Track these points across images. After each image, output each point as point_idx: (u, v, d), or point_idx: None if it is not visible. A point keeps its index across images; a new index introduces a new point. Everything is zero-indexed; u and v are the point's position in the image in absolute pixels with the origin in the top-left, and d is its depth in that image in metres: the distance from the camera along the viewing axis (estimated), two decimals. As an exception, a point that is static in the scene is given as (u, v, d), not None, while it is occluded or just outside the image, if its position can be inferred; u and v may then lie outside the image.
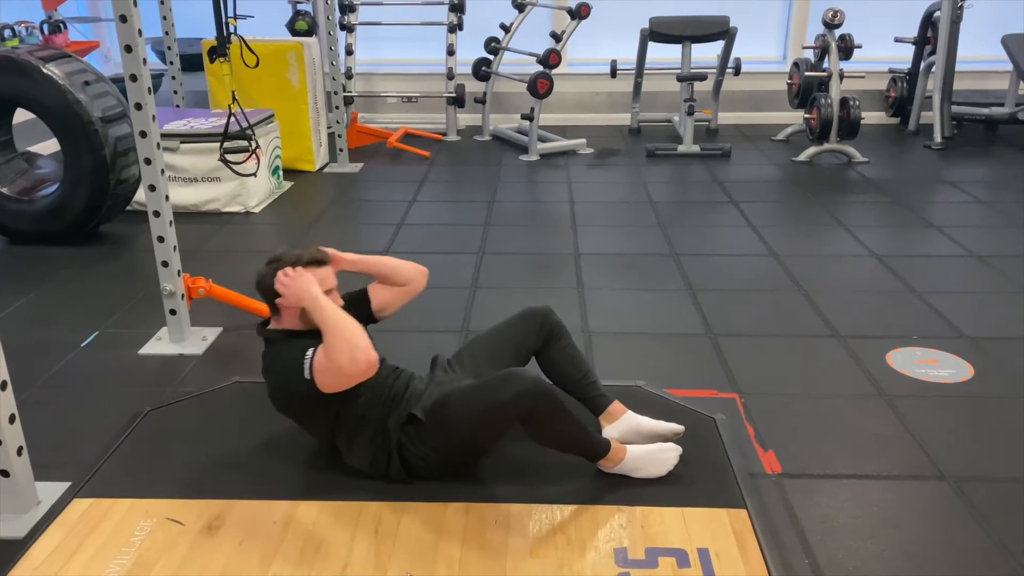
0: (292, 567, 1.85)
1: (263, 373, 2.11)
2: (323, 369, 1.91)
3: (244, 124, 3.55)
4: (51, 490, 2.13)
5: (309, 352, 1.95)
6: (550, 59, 5.72)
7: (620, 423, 2.23)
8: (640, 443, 2.17)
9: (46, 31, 5.66)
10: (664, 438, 2.22)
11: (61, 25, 5.75)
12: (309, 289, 1.99)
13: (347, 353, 1.87)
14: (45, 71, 3.76)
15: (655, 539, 1.92)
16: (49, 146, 5.02)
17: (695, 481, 2.13)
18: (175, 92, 5.77)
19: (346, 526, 1.97)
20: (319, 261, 2.11)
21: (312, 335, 2.03)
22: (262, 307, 3.19)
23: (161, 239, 2.88)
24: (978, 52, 6.56)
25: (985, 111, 6.28)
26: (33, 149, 4.81)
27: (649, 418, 2.26)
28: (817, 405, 2.60)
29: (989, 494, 2.15)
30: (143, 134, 2.73)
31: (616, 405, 2.27)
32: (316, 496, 2.08)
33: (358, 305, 2.25)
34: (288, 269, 2.04)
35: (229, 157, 3.51)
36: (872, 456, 2.33)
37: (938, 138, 5.96)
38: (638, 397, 2.50)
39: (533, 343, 2.29)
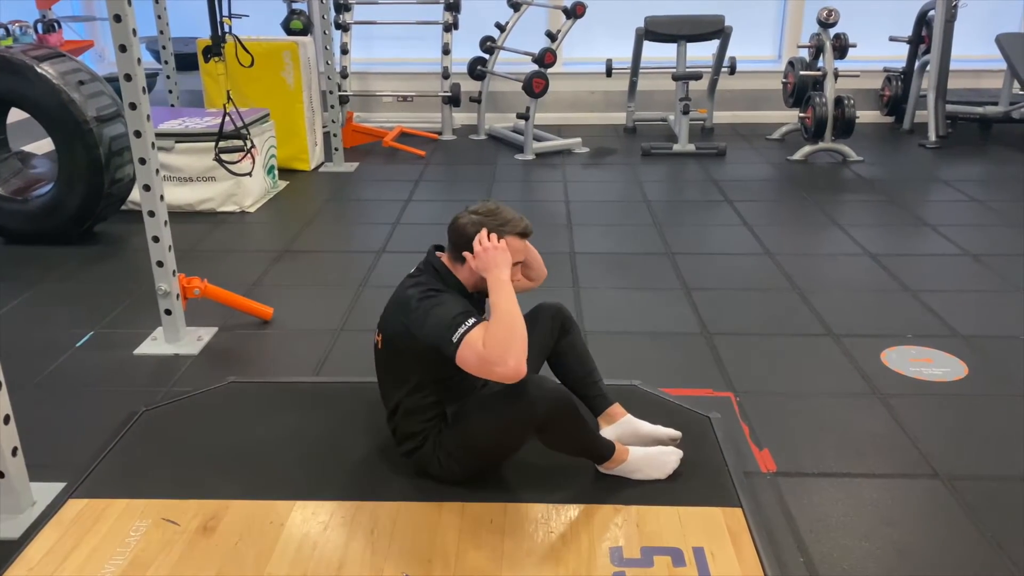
0: (288, 567, 1.85)
1: (405, 293, 2.02)
2: (472, 348, 1.84)
3: (239, 123, 3.55)
4: (46, 490, 2.13)
5: (470, 321, 1.88)
6: (546, 58, 5.73)
7: (618, 426, 2.23)
8: (639, 446, 2.18)
9: (40, 30, 5.65)
10: (662, 443, 2.22)
11: (55, 24, 5.74)
12: (501, 270, 1.95)
13: (503, 350, 1.81)
14: (39, 70, 3.75)
15: (651, 538, 1.92)
16: (43, 145, 5.01)
17: (690, 480, 2.13)
18: (170, 91, 5.77)
19: (342, 526, 1.98)
20: (526, 233, 2.07)
21: (474, 297, 2.02)
22: (258, 307, 3.21)
23: (156, 239, 2.87)
24: (972, 51, 6.57)
25: (979, 110, 6.29)
26: (27, 148, 4.80)
27: (647, 423, 2.26)
28: (812, 404, 2.61)
29: (982, 492, 2.15)
30: (138, 134, 2.72)
31: (616, 407, 2.27)
32: (312, 496, 2.08)
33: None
34: (493, 237, 1.99)
35: (224, 157, 3.51)
36: (866, 454, 2.34)
37: (932, 137, 5.98)
38: (634, 396, 2.50)
39: (549, 340, 2.28)
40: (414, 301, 1.98)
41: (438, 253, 2.12)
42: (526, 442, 2.04)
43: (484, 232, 1.99)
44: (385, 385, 2.13)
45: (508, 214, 2.05)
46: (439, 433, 2.07)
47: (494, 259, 1.96)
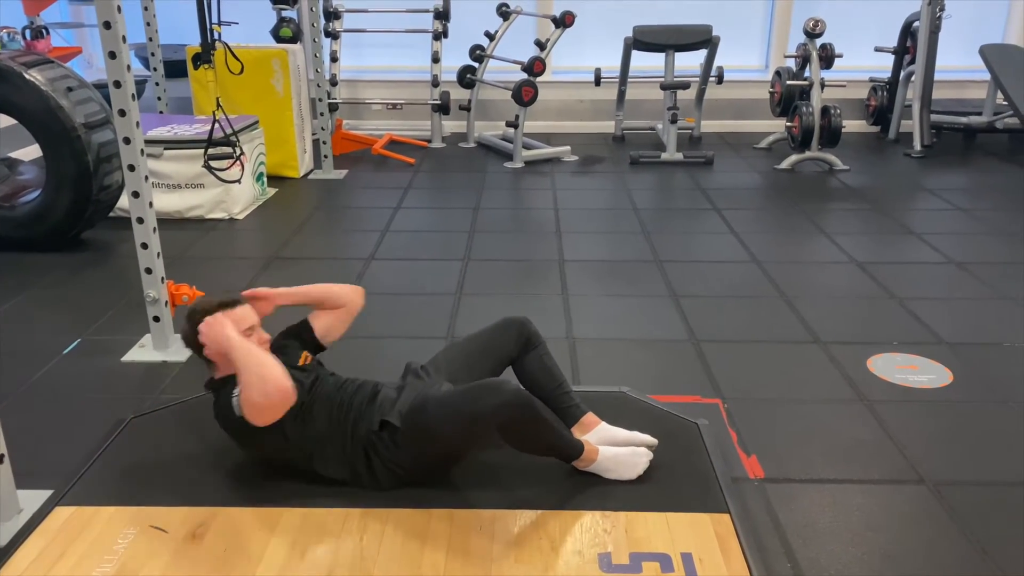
0: (277, 574, 1.84)
1: (216, 421, 2.13)
2: (245, 406, 1.93)
3: (228, 130, 3.55)
4: (33, 498, 2.11)
5: (235, 391, 1.98)
6: (535, 67, 5.75)
7: (593, 434, 2.24)
8: None
9: (28, 36, 5.62)
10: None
11: (43, 31, 5.72)
12: (223, 331, 2.03)
13: (258, 388, 1.88)
14: (27, 77, 3.74)
15: (639, 544, 1.93)
16: (31, 152, 4.99)
17: (678, 486, 2.14)
18: (159, 98, 5.75)
19: (331, 533, 1.97)
20: (230, 303, 2.15)
21: (279, 350, 2.10)
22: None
23: (145, 246, 2.86)
24: (956, 62, 6.64)
25: (964, 120, 6.36)
26: (15, 155, 4.78)
27: (623, 429, 2.27)
28: (799, 410, 2.63)
29: (968, 498, 2.17)
30: (127, 140, 2.72)
31: (590, 416, 2.28)
32: (301, 503, 2.07)
33: (301, 335, 2.31)
34: (207, 319, 2.07)
35: (213, 163, 3.50)
36: (853, 461, 2.36)
37: (918, 146, 6.04)
38: (622, 403, 2.51)
39: (510, 352, 2.31)
40: (220, 423, 2.10)
41: (212, 380, 2.19)
42: (484, 442, 2.06)
43: (200, 326, 2.08)
44: (287, 461, 2.16)
45: (207, 300, 2.18)
46: (380, 446, 2.06)
47: (214, 333, 2.04)
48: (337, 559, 1.89)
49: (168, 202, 4.49)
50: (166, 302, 2.98)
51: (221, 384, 2.11)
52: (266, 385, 1.89)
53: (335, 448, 2.08)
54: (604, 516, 2.03)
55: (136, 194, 2.79)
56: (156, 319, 2.97)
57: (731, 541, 1.93)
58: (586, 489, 2.12)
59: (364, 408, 2.11)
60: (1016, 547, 1.99)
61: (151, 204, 2.84)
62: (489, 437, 2.01)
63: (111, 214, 4.23)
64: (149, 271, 2.90)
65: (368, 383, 2.20)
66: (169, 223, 4.29)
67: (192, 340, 2.13)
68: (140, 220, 2.83)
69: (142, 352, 3.00)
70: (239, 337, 2.02)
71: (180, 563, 1.87)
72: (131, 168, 2.76)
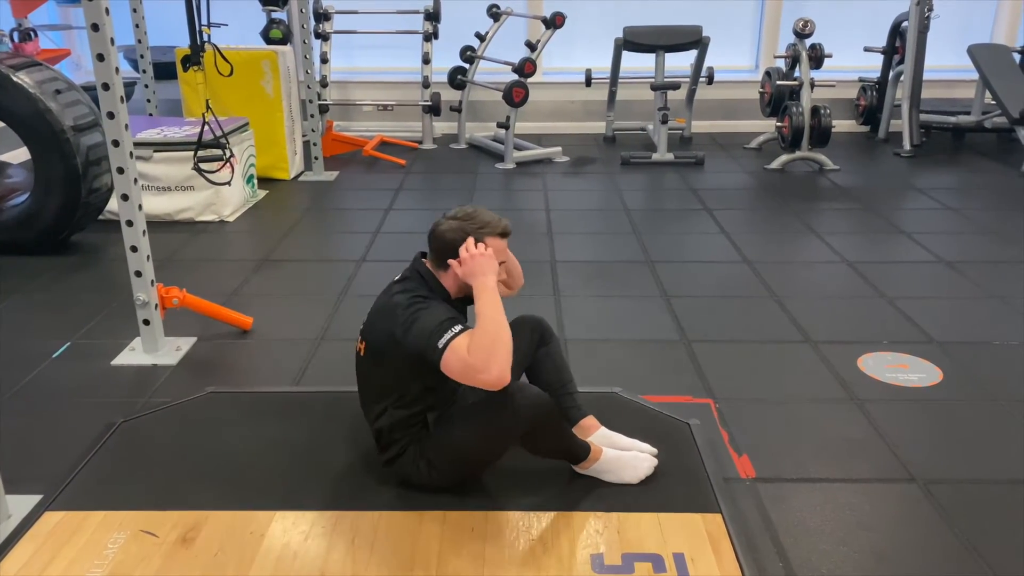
0: (268, 578, 1.84)
1: (391, 298, 2.01)
2: (457, 354, 1.84)
3: (218, 132, 3.54)
4: (22, 503, 2.10)
5: (457, 328, 1.89)
6: (525, 68, 5.75)
7: (593, 439, 2.23)
8: None
9: (16, 39, 5.59)
10: None
11: (32, 33, 5.69)
12: (487, 276, 1.95)
13: (486, 358, 1.82)
14: (15, 79, 3.72)
15: (631, 544, 1.93)
16: (19, 155, 4.96)
17: (670, 486, 2.15)
18: (148, 100, 5.73)
19: (322, 536, 1.97)
20: (507, 233, 2.07)
21: (460, 303, 2.02)
22: (237, 317, 3.20)
23: (134, 249, 2.85)
24: (945, 61, 6.68)
25: (952, 119, 6.39)
26: (3, 158, 4.76)
27: (624, 436, 2.26)
28: (790, 410, 2.63)
29: (958, 496, 2.18)
30: (115, 143, 2.71)
31: (590, 419, 2.28)
32: (292, 506, 2.07)
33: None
34: (480, 244, 1.98)
35: (203, 166, 3.50)
36: (844, 460, 2.36)
37: (907, 146, 6.06)
38: (614, 403, 2.52)
39: (529, 349, 2.29)
40: (401, 307, 1.97)
41: (424, 260, 2.12)
42: (507, 450, 2.04)
43: (471, 240, 1.99)
44: (367, 393, 2.12)
45: (487, 216, 2.06)
46: (420, 441, 2.07)
47: (481, 266, 1.96)
48: (328, 562, 1.88)
49: (158, 204, 4.48)
50: (156, 305, 2.97)
51: (434, 284, 2.03)
52: (493, 362, 1.81)
53: (411, 418, 2.05)
54: (596, 517, 2.03)
55: (125, 197, 2.78)
56: (146, 322, 2.96)
57: (723, 541, 1.94)
58: (578, 490, 2.12)
59: (451, 402, 2.10)
60: (1005, 544, 2.00)
61: (140, 207, 2.82)
62: (512, 443, 2.01)
63: (100, 217, 4.21)
64: (139, 274, 2.88)
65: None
66: (159, 225, 4.27)
67: (448, 242, 2.00)
68: (129, 223, 2.82)
69: (132, 355, 2.99)
70: (496, 292, 1.93)
71: (171, 567, 1.87)
72: (120, 171, 2.75)
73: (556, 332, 3.15)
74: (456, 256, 2.00)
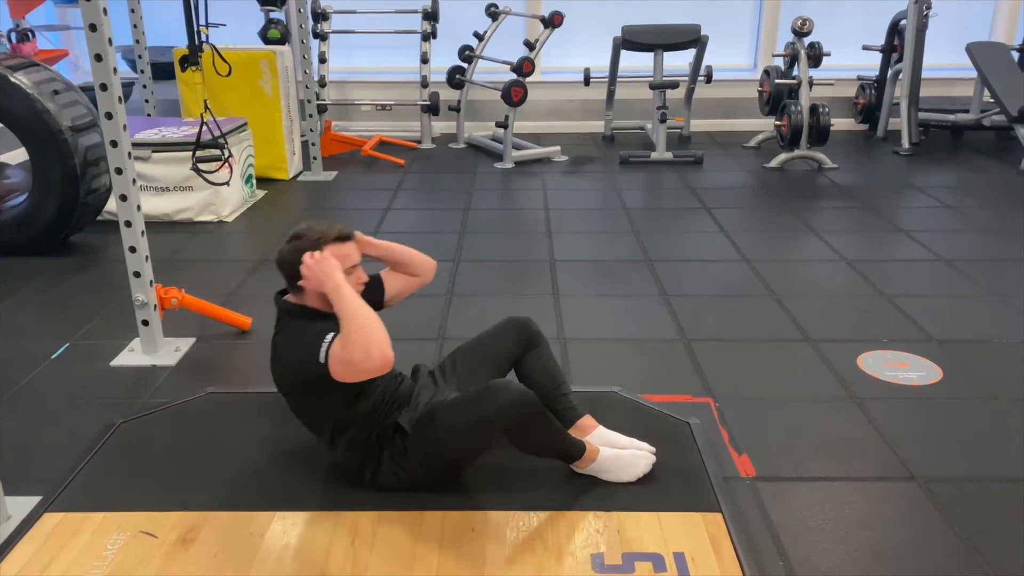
0: (268, 578, 1.84)
1: (274, 345, 2.07)
2: (338, 358, 1.87)
3: (216, 133, 3.53)
4: (21, 504, 2.10)
5: (328, 336, 1.91)
6: (524, 67, 5.75)
7: (591, 438, 2.23)
8: None
9: (14, 39, 5.59)
10: None
11: (29, 33, 5.68)
12: (332, 275, 1.96)
13: (363, 348, 1.84)
14: (13, 80, 3.72)
15: (631, 544, 1.93)
16: (17, 155, 4.95)
17: (670, 485, 2.14)
18: (146, 101, 5.73)
19: (322, 536, 1.97)
20: (344, 237, 2.07)
21: (332, 317, 2.01)
22: (236, 317, 3.19)
23: (133, 249, 2.85)
24: (944, 60, 6.68)
25: (951, 117, 6.39)
26: (1, 159, 4.75)
27: (622, 435, 2.26)
28: (790, 408, 2.63)
29: (957, 494, 2.18)
30: (114, 143, 2.71)
31: (587, 419, 2.28)
32: (291, 507, 2.07)
33: (372, 291, 2.20)
34: (315, 253, 1.99)
35: (201, 166, 3.49)
36: (844, 458, 2.36)
37: (906, 144, 6.07)
38: (614, 403, 2.52)
39: (513, 352, 2.30)
40: (281, 350, 2.04)
41: (284, 298, 2.13)
42: (492, 445, 2.04)
43: (307, 255, 2.00)
44: (316, 434, 2.15)
45: (318, 227, 2.07)
46: (391, 448, 2.06)
47: (321, 270, 1.97)
48: (328, 562, 1.88)
49: (156, 205, 4.47)
50: (155, 306, 2.97)
51: (298, 312, 2.05)
52: (371, 348, 1.83)
53: (362, 433, 2.06)
54: (596, 516, 2.03)
55: (124, 197, 2.78)
56: (145, 323, 2.96)
57: (723, 540, 1.93)
58: (578, 489, 2.12)
59: (401, 403, 2.10)
60: (1004, 542, 2.00)
61: (139, 207, 2.82)
62: (496, 440, 2.01)
63: (99, 217, 4.21)
64: (137, 275, 2.88)
65: (407, 380, 2.19)
66: (157, 226, 4.26)
67: (288, 264, 2.03)
68: (128, 223, 2.81)
69: (131, 356, 2.99)
70: (349, 287, 1.95)
71: (170, 568, 1.86)
72: (118, 171, 2.74)
73: (555, 332, 3.16)
74: (300, 277, 2.02)
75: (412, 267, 2.30)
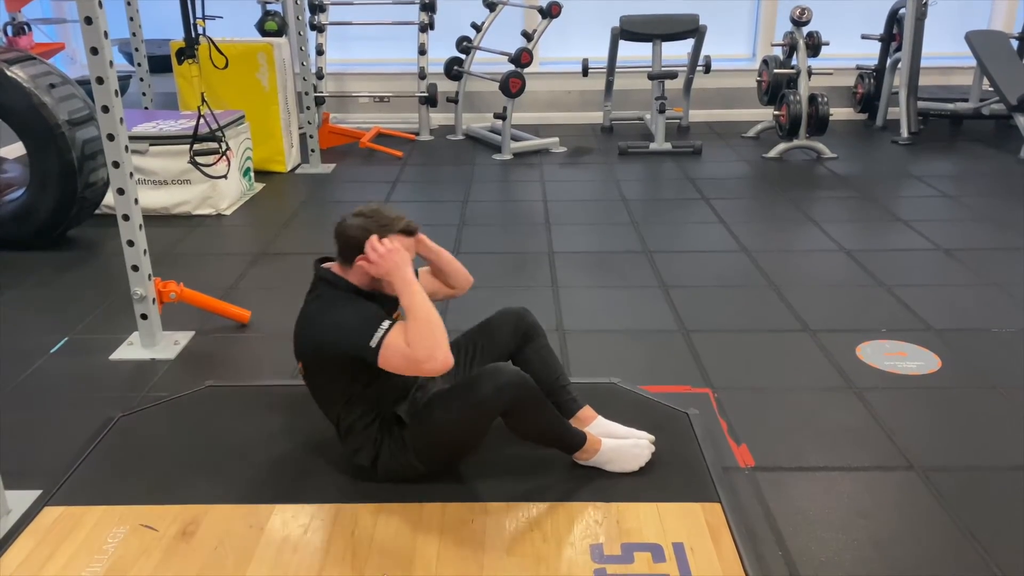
0: (268, 571, 1.84)
1: (307, 311, 2.04)
2: (396, 350, 1.87)
3: (214, 126, 3.53)
4: (21, 498, 2.10)
5: (386, 324, 1.90)
6: (522, 58, 5.73)
7: (591, 428, 2.23)
8: None
9: (10, 33, 5.57)
10: None
11: (25, 27, 5.66)
12: (403, 268, 1.96)
13: (428, 347, 1.84)
14: (9, 74, 3.71)
15: (631, 534, 1.93)
16: (14, 150, 4.94)
17: (669, 476, 2.15)
18: (143, 94, 5.71)
19: (322, 528, 1.97)
20: (410, 231, 2.06)
21: (373, 297, 2.02)
22: (235, 311, 3.19)
23: (131, 243, 2.85)
24: (943, 48, 6.66)
25: (950, 106, 6.38)
26: (-2, 153, 4.74)
27: (621, 425, 2.27)
28: (788, 399, 2.64)
29: (956, 483, 2.19)
30: (111, 137, 2.70)
31: (587, 410, 2.28)
32: (291, 499, 2.07)
33: None
34: (385, 240, 1.98)
35: (199, 159, 3.49)
36: (843, 448, 2.37)
37: (905, 133, 6.05)
38: (613, 394, 2.52)
39: (509, 344, 2.30)
40: (317, 316, 2.01)
41: (325, 264, 2.12)
42: (488, 428, 2.03)
43: (375, 238, 1.99)
44: (321, 406, 2.14)
45: (390, 214, 2.06)
46: (391, 434, 2.07)
47: (394, 261, 1.97)
48: (328, 554, 1.89)
49: (154, 198, 4.46)
50: (153, 299, 2.96)
51: (342, 285, 2.03)
52: (436, 349, 1.85)
53: (366, 420, 2.06)
54: (595, 507, 2.03)
55: (121, 191, 2.77)
56: (144, 317, 2.95)
57: (722, 530, 1.94)
58: (577, 480, 2.13)
59: (405, 392, 2.09)
60: (1003, 531, 2.00)
61: (137, 201, 2.82)
62: (491, 423, 2.01)
63: (97, 211, 4.20)
64: (136, 268, 2.88)
65: None
66: (156, 219, 4.26)
67: (350, 240, 2.00)
68: (126, 217, 2.81)
69: (130, 350, 2.99)
70: (418, 283, 1.95)
71: (171, 561, 1.87)
72: (116, 165, 2.74)
73: (554, 323, 3.16)
74: (360, 253, 2.00)
75: (452, 278, 2.29)
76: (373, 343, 1.88)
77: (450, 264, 2.27)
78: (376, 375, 1.98)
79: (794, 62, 5.90)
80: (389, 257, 1.96)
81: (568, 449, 2.14)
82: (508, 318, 2.31)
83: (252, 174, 5.11)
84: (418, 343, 1.86)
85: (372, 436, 2.07)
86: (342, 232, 2.04)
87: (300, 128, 5.78)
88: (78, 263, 3.91)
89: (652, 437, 2.24)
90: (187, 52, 3.33)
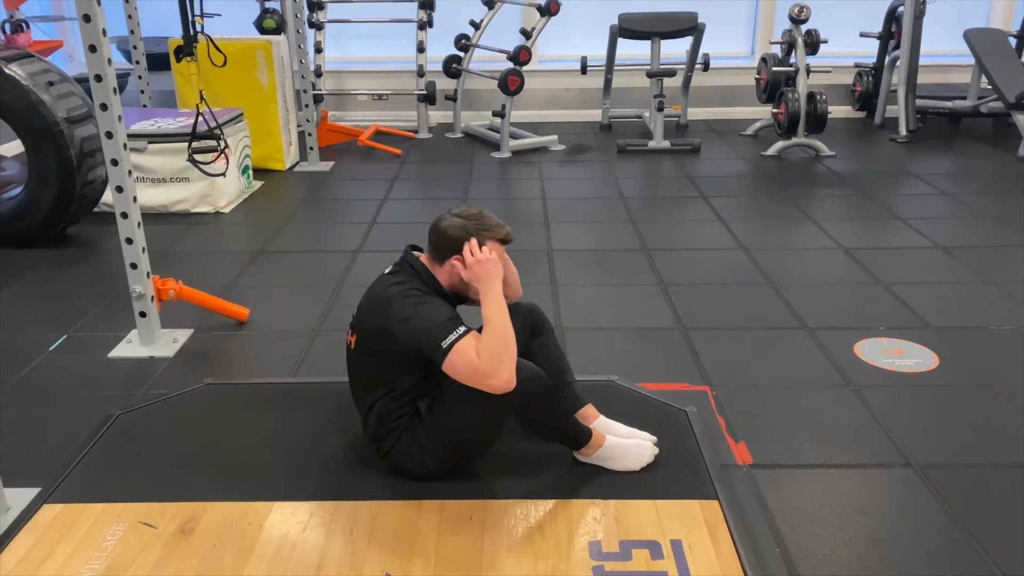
0: (267, 568, 1.84)
1: (386, 291, 2.01)
2: (465, 357, 1.86)
3: (212, 124, 3.52)
4: (20, 496, 2.10)
5: (461, 329, 1.90)
6: (520, 56, 5.73)
7: (593, 427, 2.23)
8: None
9: (8, 31, 5.57)
10: None
11: (24, 24, 5.66)
12: (494, 279, 1.97)
13: (494, 362, 1.86)
14: (8, 71, 3.70)
15: (629, 532, 1.94)
16: (13, 147, 4.94)
17: (668, 473, 2.15)
18: (142, 92, 5.70)
19: (321, 526, 1.97)
20: (507, 241, 2.08)
21: (450, 299, 2.03)
22: (233, 308, 3.19)
23: (129, 241, 2.85)
24: (941, 46, 6.66)
25: (948, 104, 6.38)
26: (-4, 151, 4.74)
27: (623, 425, 2.27)
28: (787, 396, 2.64)
29: (953, 481, 2.19)
30: (109, 135, 2.70)
31: (590, 408, 2.28)
32: (290, 497, 2.07)
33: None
34: (484, 247, 2.00)
35: (198, 157, 3.48)
36: (841, 445, 2.37)
37: (903, 131, 6.06)
38: (611, 391, 2.52)
39: (521, 338, 2.28)
40: (397, 300, 1.98)
41: (416, 253, 2.11)
42: (505, 424, 2.03)
43: (474, 242, 2.00)
44: (359, 386, 2.13)
45: (491, 219, 2.07)
46: (412, 429, 2.07)
47: (488, 271, 1.98)
48: (327, 552, 1.89)
49: (153, 196, 4.46)
50: (152, 297, 2.96)
51: (427, 279, 2.04)
52: (502, 366, 1.86)
53: (402, 412, 2.06)
54: (594, 504, 2.03)
55: (120, 189, 2.77)
56: (142, 314, 2.95)
57: (720, 527, 1.94)
58: (576, 478, 2.13)
59: (433, 390, 2.09)
60: (1001, 528, 2.01)
61: (135, 199, 2.82)
62: (508, 419, 2.01)
63: (95, 209, 4.20)
64: (134, 266, 2.88)
65: None
66: (154, 217, 4.26)
67: (448, 237, 2.01)
68: (124, 215, 2.81)
69: (129, 348, 2.99)
70: (502, 298, 1.97)
71: (170, 559, 1.87)
72: (114, 163, 2.74)
73: (553, 321, 3.15)
74: (456, 253, 2.01)
75: (510, 288, 2.25)
76: (445, 344, 1.88)
77: (513, 275, 2.26)
78: (427, 372, 1.97)
79: (793, 60, 5.90)
80: (485, 264, 1.98)
81: (574, 444, 2.14)
82: (520, 311, 2.30)
83: (251, 172, 5.11)
84: (488, 356, 1.86)
85: (401, 426, 2.07)
86: (441, 229, 2.04)
87: (299, 126, 5.78)
88: (77, 261, 3.91)
89: (655, 438, 2.24)
90: (185, 50, 3.32)
